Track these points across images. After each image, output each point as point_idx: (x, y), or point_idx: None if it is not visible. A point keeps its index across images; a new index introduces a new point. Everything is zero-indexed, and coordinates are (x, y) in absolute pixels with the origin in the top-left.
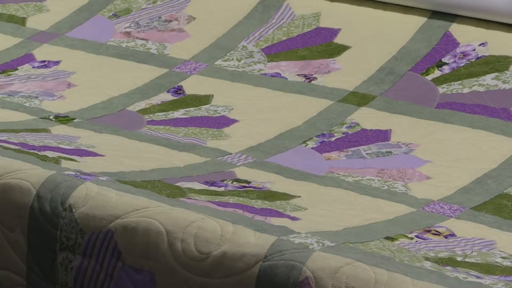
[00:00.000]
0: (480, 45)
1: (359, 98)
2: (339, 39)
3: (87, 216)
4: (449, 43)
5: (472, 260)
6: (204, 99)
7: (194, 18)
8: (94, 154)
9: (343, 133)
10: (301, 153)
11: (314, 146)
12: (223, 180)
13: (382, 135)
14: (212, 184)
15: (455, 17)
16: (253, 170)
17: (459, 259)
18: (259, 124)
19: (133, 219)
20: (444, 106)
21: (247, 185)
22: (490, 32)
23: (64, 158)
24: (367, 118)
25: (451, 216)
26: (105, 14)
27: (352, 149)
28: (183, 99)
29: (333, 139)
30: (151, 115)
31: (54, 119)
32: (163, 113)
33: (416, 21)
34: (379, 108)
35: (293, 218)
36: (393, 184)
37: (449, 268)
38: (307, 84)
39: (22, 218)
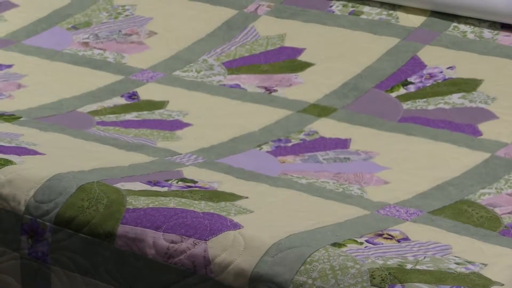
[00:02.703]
0: (448, 68)
1: (319, 109)
2: (303, 57)
3: None
4: (417, 65)
5: (424, 267)
6: (159, 104)
7: (155, 33)
8: (34, 153)
9: (300, 140)
10: (254, 156)
11: (269, 150)
12: (167, 180)
13: (341, 143)
14: (155, 184)
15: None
16: (202, 170)
17: (409, 266)
18: (214, 128)
19: None
20: (407, 120)
21: (192, 184)
22: (459, 58)
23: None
24: (326, 128)
25: (407, 220)
26: (63, 26)
27: (309, 154)
28: (136, 104)
29: (290, 144)
30: (102, 116)
31: None
32: (114, 115)
33: (385, 44)
34: (339, 119)
35: (235, 226)
36: (348, 187)
37: None
38: (267, 95)
39: None
